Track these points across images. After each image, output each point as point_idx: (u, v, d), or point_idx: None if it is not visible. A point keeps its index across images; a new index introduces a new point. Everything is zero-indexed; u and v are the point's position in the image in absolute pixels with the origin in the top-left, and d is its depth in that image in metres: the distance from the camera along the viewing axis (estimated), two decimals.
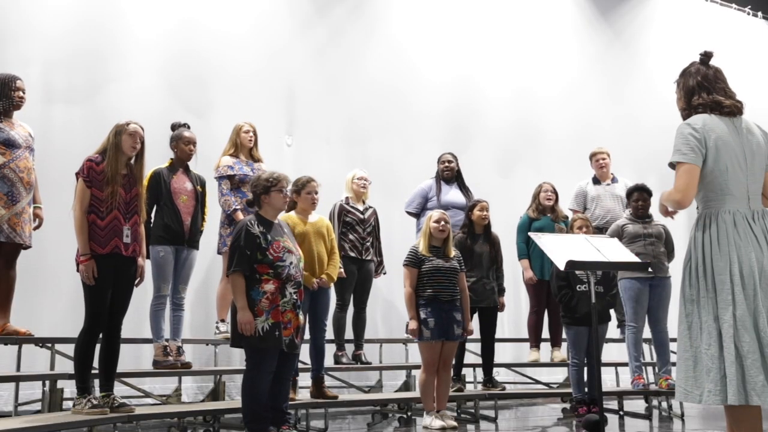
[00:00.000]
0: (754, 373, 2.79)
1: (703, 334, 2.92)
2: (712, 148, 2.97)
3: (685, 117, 3.15)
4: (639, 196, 6.40)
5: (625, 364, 6.59)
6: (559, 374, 7.49)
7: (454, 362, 5.98)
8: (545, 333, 7.15)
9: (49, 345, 5.12)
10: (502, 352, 7.73)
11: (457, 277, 5.38)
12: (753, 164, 3.03)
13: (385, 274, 6.73)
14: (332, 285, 5.67)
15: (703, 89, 3.12)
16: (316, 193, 5.38)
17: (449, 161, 7.06)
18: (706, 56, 3.20)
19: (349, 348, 6.44)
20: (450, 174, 7.04)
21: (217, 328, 5.97)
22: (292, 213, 5.39)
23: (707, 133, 2.99)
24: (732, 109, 3.08)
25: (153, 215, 5.44)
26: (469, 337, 5.68)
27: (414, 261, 5.34)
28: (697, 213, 3.11)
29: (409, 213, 7.14)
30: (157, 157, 5.51)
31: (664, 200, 3.10)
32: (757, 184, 3.03)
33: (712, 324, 2.90)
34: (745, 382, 2.80)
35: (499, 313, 6.58)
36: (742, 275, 2.89)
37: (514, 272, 7.45)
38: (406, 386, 6.79)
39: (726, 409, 2.92)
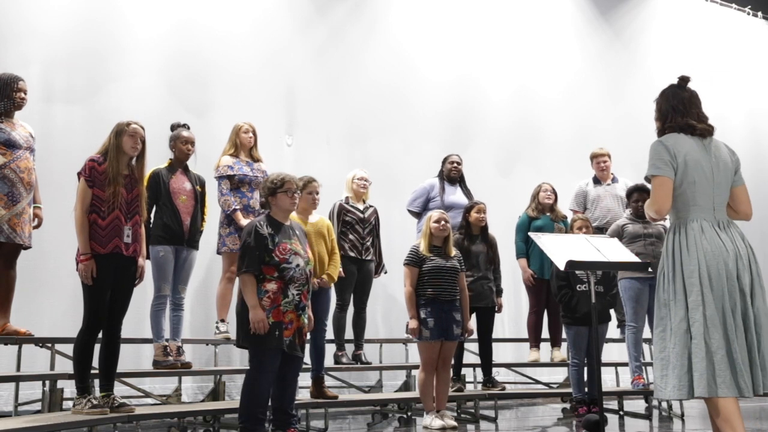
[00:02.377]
0: (722, 368, 3.03)
1: (673, 334, 3.16)
2: (681, 164, 3.24)
3: (659, 135, 3.38)
4: (639, 196, 6.40)
5: (625, 364, 6.60)
6: (559, 374, 7.50)
7: (453, 362, 5.99)
8: (545, 333, 7.15)
9: (49, 345, 5.12)
10: (502, 352, 7.73)
11: (457, 277, 5.38)
12: (719, 179, 3.28)
13: (386, 273, 6.73)
14: (332, 285, 5.67)
15: (678, 113, 3.36)
16: (317, 193, 5.38)
17: (458, 163, 7.09)
18: (683, 80, 3.44)
19: (349, 348, 6.44)
20: (457, 174, 7.06)
21: (217, 328, 5.97)
22: (293, 213, 5.39)
23: (678, 149, 3.25)
24: (702, 132, 3.32)
25: (152, 215, 5.44)
26: (468, 337, 5.68)
27: (415, 260, 5.34)
28: (669, 222, 3.36)
29: (410, 212, 7.14)
30: (156, 157, 5.51)
31: (646, 209, 3.37)
32: (722, 197, 3.29)
33: (679, 324, 3.14)
34: (715, 376, 3.03)
35: (498, 314, 6.59)
36: (710, 277, 3.13)
37: (514, 272, 7.45)
38: (406, 386, 6.79)
39: (707, 404, 3.11)
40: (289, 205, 4.59)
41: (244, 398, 4.40)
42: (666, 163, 3.23)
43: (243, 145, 6.06)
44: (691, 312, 3.11)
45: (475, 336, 6.38)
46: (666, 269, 3.24)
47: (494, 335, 6.65)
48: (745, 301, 3.12)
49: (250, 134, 6.11)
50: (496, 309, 6.42)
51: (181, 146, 5.61)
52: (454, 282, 5.34)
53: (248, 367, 4.47)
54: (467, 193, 7.05)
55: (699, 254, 3.15)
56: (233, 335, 5.00)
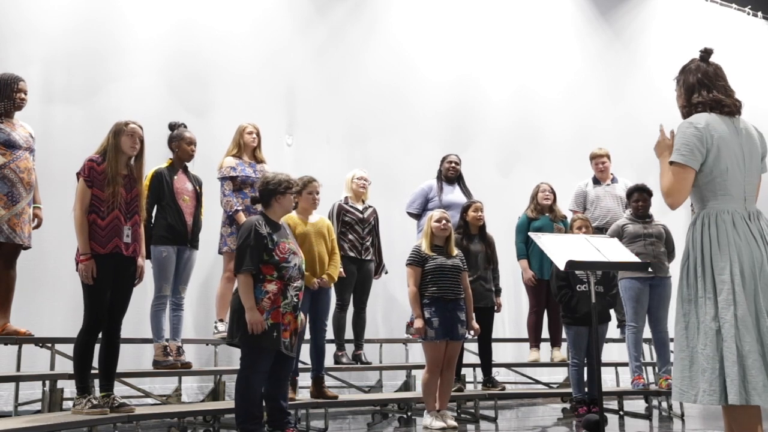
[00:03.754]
0: (755, 374, 2.78)
1: (699, 334, 2.91)
2: (714, 148, 2.97)
3: (685, 115, 3.14)
4: (639, 196, 6.41)
5: (625, 364, 6.60)
6: (559, 374, 7.50)
7: None
8: (545, 333, 7.15)
9: (49, 345, 5.11)
10: (502, 352, 7.73)
11: (460, 276, 5.37)
12: (750, 165, 3.04)
13: (386, 273, 6.73)
14: (332, 285, 5.66)
15: (704, 87, 3.10)
16: (318, 193, 5.39)
17: (456, 162, 7.08)
18: (706, 53, 3.20)
19: (349, 348, 6.43)
20: (454, 174, 7.05)
21: (216, 327, 5.96)
22: (293, 213, 5.38)
23: (710, 132, 2.98)
24: (732, 108, 3.07)
25: (154, 215, 5.44)
26: (468, 336, 5.67)
27: (417, 260, 5.33)
28: (693, 212, 3.12)
29: (410, 214, 7.14)
30: (156, 157, 5.52)
31: (662, 189, 3.05)
32: (753, 185, 3.05)
33: (709, 324, 2.88)
34: (746, 383, 2.79)
35: (498, 313, 6.59)
36: (743, 275, 2.87)
37: (515, 272, 7.45)
38: (406, 386, 6.79)
39: (724, 409, 2.91)
40: (290, 206, 4.69)
41: (238, 399, 4.39)
42: (692, 151, 2.94)
43: (246, 146, 6.05)
44: (721, 312, 2.85)
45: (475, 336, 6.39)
46: (691, 263, 2.98)
47: (494, 335, 6.65)
48: None
49: (254, 135, 6.10)
50: (496, 308, 6.42)
51: (186, 147, 5.59)
52: (457, 281, 5.33)
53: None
54: (466, 192, 7.04)
55: (731, 249, 2.89)
56: None
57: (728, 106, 3.07)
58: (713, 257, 2.93)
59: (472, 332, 5.47)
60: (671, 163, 3.00)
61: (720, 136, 2.98)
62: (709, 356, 2.85)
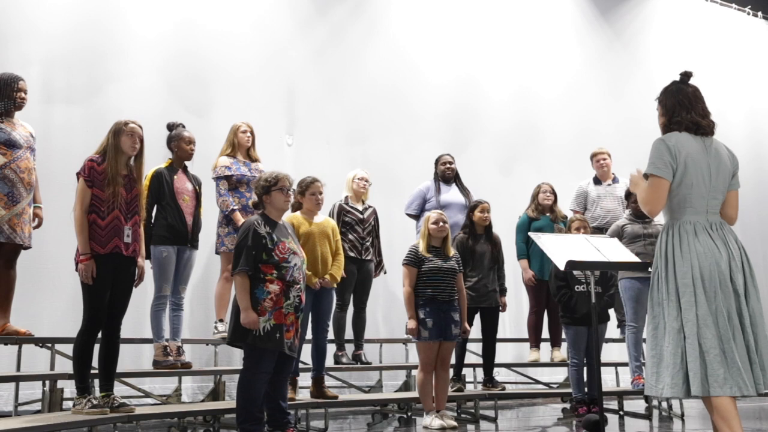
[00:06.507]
0: (715, 367, 3.07)
1: (666, 333, 3.21)
2: (681, 164, 3.25)
3: (664, 132, 3.40)
4: None
5: (625, 364, 6.60)
6: (559, 374, 7.50)
7: (455, 362, 5.99)
8: (545, 333, 7.16)
9: (49, 345, 5.12)
10: (503, 352, 7.72)
11: (455, 278, 5.38)
12: (717, 182, 3.30)
13: (385, 273, 6.73)
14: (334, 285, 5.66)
15: (684, 107, 3.37)
16: (321, 193, 5.37)
17: (450, 162, 7.08)
18: (686, 76, 3.48)
19: (349, 348, 6.44)
20: (451, 174, 7.06)
21: (216, 327, 5.97)
22: (298, 213, 5.39)
23: (679, 149, 3.27)
24: (706, 129, 3.35)
25: (154, 215, 5.44)
26: (470, 336, 5.67)
27: (414, 260, 5.34)
28: (664, 221, 3.40)
29: (409, 215, 7.15)
30: (156, 157, 5.52)
31: (640, 204, 3.38)
32: (717, 200, 3.31)
33: (673, 324, 3.18)
34: (708, 375, 3.08)
35: (503, 313, 6.59)
36: (702, 279, 3.17)
37: (515, 272, 7.45)
38: (406, 386, 6.79)
39: (705, 403, 3.16)
40: (283, 203, 4.58)
41: (240, 399, 4.38)
42: (666, 164, 3.24)
43: (240, 145, 6.05)
44: (684, 312, 3.16)
45: (478, 336, 6.39)
46: (659, 269, 3.28)
47: (497, 335, 6.64)
48: (740, 301, 3.17)
49: (248, 134, 6.09)
50: (501, 308, 6.42)
51: (185, 146, 5.60)
52: (452, 282, 5.34)
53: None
54: (463, 190, 7.05)
55: (692, 256, 3.19)
56: None
57: (703, 128, 3.34)
58: (676, 263, 3.23)
59: (462, 334, 5.45)
60: (648, 175, 3.30)
61: (688, 153, 3.26)
62: (671, 353, 3.16)
